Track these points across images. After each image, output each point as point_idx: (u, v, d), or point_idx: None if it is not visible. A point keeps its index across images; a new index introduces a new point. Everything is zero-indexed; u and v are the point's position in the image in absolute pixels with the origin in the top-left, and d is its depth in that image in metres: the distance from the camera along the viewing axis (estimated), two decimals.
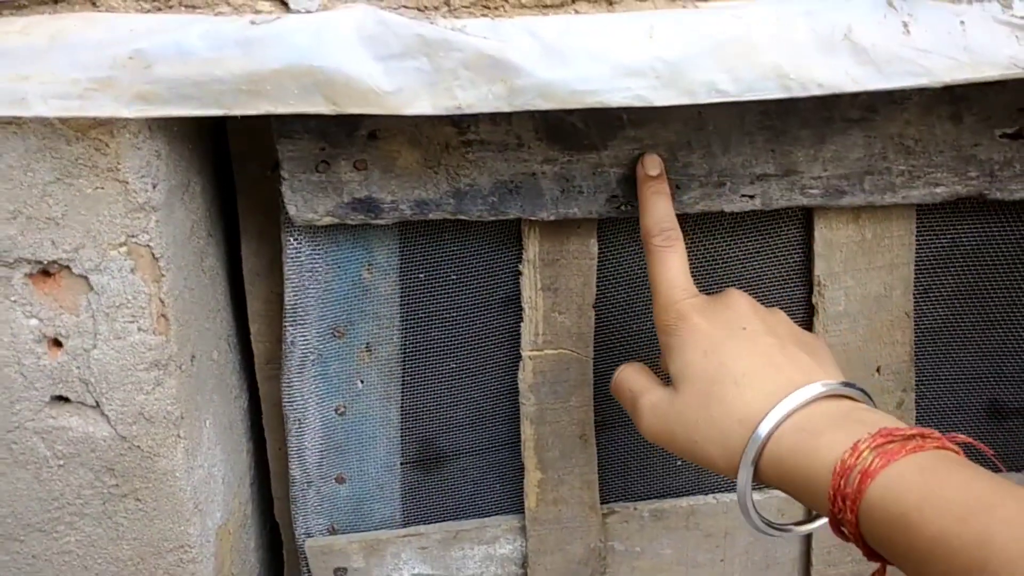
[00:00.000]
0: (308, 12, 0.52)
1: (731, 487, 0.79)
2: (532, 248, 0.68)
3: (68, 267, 0.55)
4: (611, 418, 0.76)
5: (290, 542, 0.81)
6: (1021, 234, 0.72)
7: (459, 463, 0.79)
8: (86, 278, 0.56)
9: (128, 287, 0.56)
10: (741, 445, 0.46)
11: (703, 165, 0.63)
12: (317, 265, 0.68)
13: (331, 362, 0.72)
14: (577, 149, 0.62)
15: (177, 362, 0.58)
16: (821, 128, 0.63)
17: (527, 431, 0.74)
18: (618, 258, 0.71)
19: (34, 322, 0.56)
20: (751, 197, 0.64)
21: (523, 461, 0.75)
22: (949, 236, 0.72)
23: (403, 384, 0.74)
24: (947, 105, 0.64)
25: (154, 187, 0.55)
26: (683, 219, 0.66)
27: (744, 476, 0.46)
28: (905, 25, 0.54)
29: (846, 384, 0.47)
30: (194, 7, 0.53)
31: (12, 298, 0.56)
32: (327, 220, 0.64)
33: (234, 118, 0.53)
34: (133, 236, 0.55)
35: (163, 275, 0.56)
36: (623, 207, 0.64)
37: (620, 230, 0.69)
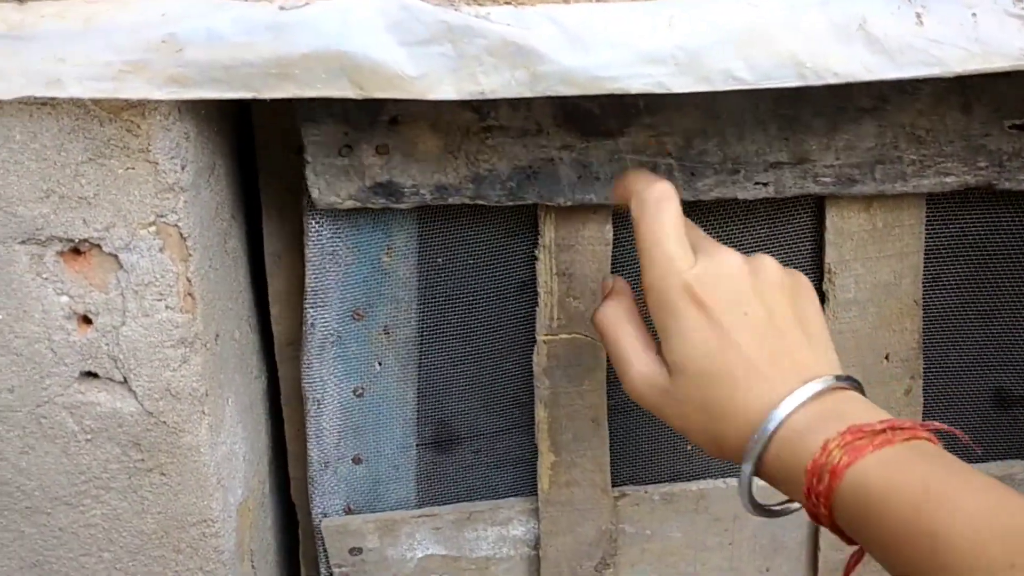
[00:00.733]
0: None
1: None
2: (548, 233, 0.69)
3: (99, 246, 0.57)
4: (623, 403, 0.77)
5: (306, 522, 0.83)
6: None
7: (473, 445, 0.80)
8: (116, 256, 0.57)
9: (156, 266, 0.57)
10: (733, 449, 0.47)
11: (717, 152, 0.64)
12: (338, 248, 0.70)
13: (350, 344, 0.74)
14: (594, 135, 0.63)
15: (203, 340, 0.60)
16: (834, 117, 0.64)
17: (541, 414, 0.76)
18: (632, 244, 0.72)
19: (65, 299, 0.58)
20: (764, 184, 0.66)
21: (537, 444, 0.77)
22: (958, 225, 0.73)
23: (420, 366, 0.76)
24: (958, 96, 0.65)
25: (183, 168, 0.57)
26: (696, 206, 0.67)
27: (743, 478, 0.47)
28: (918, 16, 0.55)
29: (837, 378, 0.47)
30: None
31: (44, 275, 0.57)
32: (349, 204, 0.66)
33: (259, 102, 0.55)
34: (162, 216, 0.57)
35: (190, 255, 0.58)
36: None
37: None
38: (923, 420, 0.64)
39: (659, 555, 0.83)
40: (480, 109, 0.63)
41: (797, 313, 0.50)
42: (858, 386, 0.47)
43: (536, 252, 0.71)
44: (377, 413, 0.76)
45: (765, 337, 0.48)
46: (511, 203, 0.66)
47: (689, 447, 0.80)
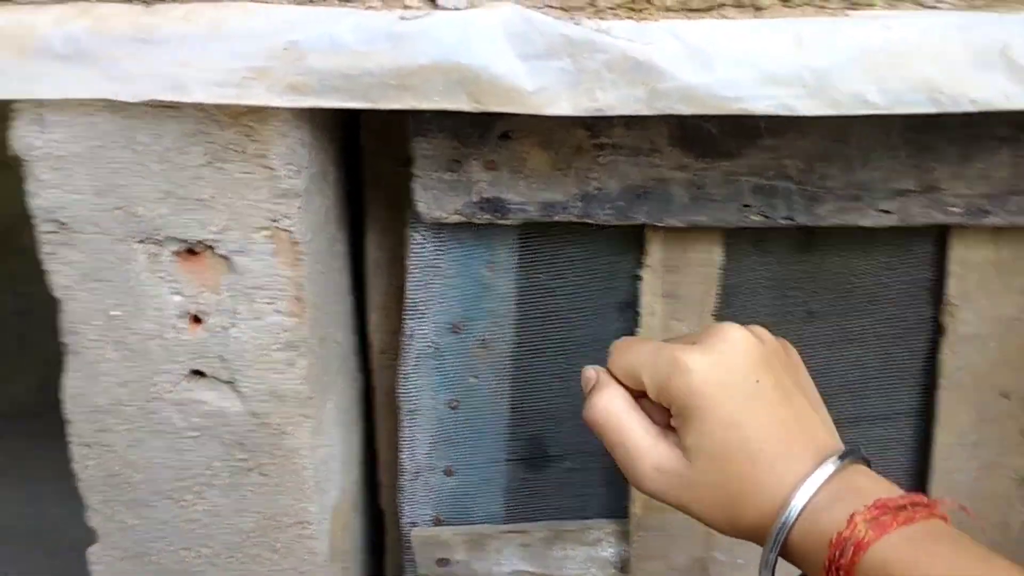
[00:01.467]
0: (456, 9, 0.53)
1: None
2: (655, 254, 0.68)
3: (212, 247, 0.58)
4: None
5: (394, 529, 0.83)
6: None
7: (565, 463, 0.79)
8: (229, 259, 0.58)
9: (268, 269, 0.58)
10: (751, 529, 0.47)
11: (840, 178, 0.62)
12: (440, 261, 0.69)
13: (447, 356, 0.73)
14: (711, 156, 0.62)
15: (309, 344, 0.60)
16: (968, 145, 0.61)
17: None
18: (741, 268, 0.70)
19: (178, 298, 0.59)
20: (888, 212, 0.63)
21: None
22: None
23: (514, 381, 0.75)
24: None
25: (297, 174, 0.57)
26: (814, 232, 0.65)
27: (769, 562, 0.46)
28: None
29: (849, 451, 0.47)
30: (346, 0, 0.55)
31: (160, 274, 0.58)
32: (455, 218, 0.65)
33: (368, 113, 0.55)
34: (275, 220, 0.57)
35: (300, 260, 0.58)
36: (753, 217, 0.63)
37: (746, 240, 0.68)
38: None
39: None
40: (593, 126, 0.62)
41: (797, 380, 0.50)
42: (860, 453, 0.47)
43: (640, 272, 0.69)
44: (470, 426, 0.76)
45: (777, 406, 0.48)
46: (619, 223, 0.64)
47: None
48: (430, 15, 0.53)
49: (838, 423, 0.50)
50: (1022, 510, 0.77)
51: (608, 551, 0.80)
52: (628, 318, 0.72)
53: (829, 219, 0.63)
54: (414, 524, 0.79)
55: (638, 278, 0.70)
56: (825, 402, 0.51)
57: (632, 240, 0.69)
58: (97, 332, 0.60)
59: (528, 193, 0.64)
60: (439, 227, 0.68)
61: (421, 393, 0.74)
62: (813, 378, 0.51)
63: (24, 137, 0.56)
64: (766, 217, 0.63)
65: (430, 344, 0.73)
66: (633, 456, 0.49)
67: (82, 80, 0.54)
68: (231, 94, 0.53)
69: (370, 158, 0.72)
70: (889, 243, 0.68)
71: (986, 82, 0.52)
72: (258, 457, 0.61)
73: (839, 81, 0.51)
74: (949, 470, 0.75)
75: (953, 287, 0.68)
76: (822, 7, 0.53)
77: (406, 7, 0.54)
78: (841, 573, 0.42)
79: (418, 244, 0.69)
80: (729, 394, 0.47)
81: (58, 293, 0.59)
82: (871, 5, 0.54)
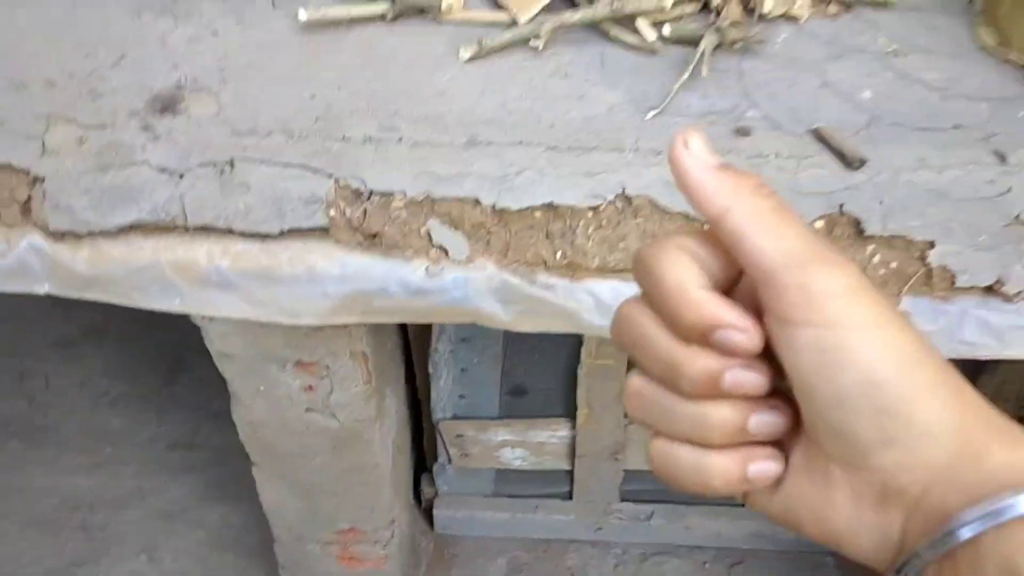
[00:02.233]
0: (460, 261, 0.86)
1: None
2: None
3: (318, 362, 0.97)
4: None
5: (429, 426, 1.30)
6: None
7: (535, 394, 1.24)
8: (328, 366, 0.97)
9: (352, 372, 0.97)
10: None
11: None
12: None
13: (460, 353, 1.14)
14: None
15: (377, 392, 1.02)
16: None
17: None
18: None
19: (297, 382, 0.99)
20: None
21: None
22: None
23: (504, 362, 1.16)
24: None
25: (367, 334, 0.94)
26: None
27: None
28: None
29: None
30: (392, 247, 0.86)
31: (287, 374, 0.98)
32: None
33: None
34: (358, 350, 0.95)
35: (372, 366, 0.97)
36: None
37: None
38: None
39: None
40: None
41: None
42: None
43: None
44: (478, 378, 1.19)
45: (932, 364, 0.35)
46: None
47: None
48: (444, 270, 0.85)
49: None
50: None
51: (562, 433, 1.27)
52: None
53: None
54: (443, 419, 1.25)
55: None
56: None
57: None
58: (251, 395, 1.01)
59: None
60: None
61: (443, 369, 1.16)
62: None
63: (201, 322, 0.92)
64: None
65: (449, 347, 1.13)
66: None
67: (230, 303, 0.88)
68: (326, 318, 0.88)
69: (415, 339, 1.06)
70: None
71: None
72: (349, 444, 1.06)
73: None
74: None
75: None
76: None
77: (430, 258, 0.86)
78: None
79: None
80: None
81: (228, 376, 0.99)
82: None
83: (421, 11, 0.99)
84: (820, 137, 0.87)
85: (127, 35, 1.00)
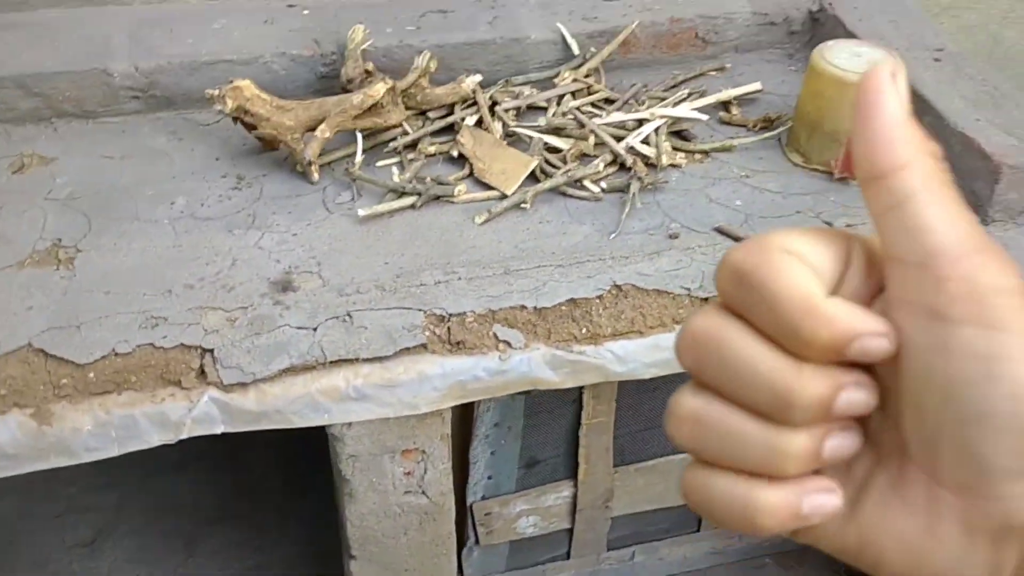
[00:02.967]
0: (520, 347, 1.27)
1: None
2: None
3: (416, 448, 1.33)
4: None
5: (461, 508, 1.65)
6: None
7: (545, 464, 1.63)
8: (424, 450, 1.33)
9: (441, 449, 1.34)
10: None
11: None
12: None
13: (490, 439, 1.52)
14: None
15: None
16: None
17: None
18: None
19: (400, 469, 1.34)
20: None
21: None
22: None
23: (522, 439, 1.56)
24: None
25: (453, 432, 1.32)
26: None
27: None
28: None
29: None
30: (473, 348, 1.27)
31: (394, 463, 1.33)
32: None
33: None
34: (443, 433, 1.33)
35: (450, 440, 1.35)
36: None
37: None
38: None
39: None
40: None
41: None
42: None
43: None
44: (499, 459, 1.57)
45: None
46: None
47: None
48: (512, 355, 1.27)
49: None
50: None
51: (566, 493, 1.66)
52: None
53: None
54: (474, 501, 1.61)
55: None
56: None
57: None
58: (364, 489, 1.35)
59: None
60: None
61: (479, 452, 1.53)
62: None
63: (333, 432, 1.27)
64: None
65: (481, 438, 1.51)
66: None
67: (366, 409, 1.24)
68: (438, 404, 1.26)
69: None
70: None
71: None
72: (435, 517, 1.41)
73: None
74: None
75: None
76: None
77: (499, 350, 1.27)
78: None
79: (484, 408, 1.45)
80: None
81: (348, 476, 1.33)
82: None
83: (438, 198, 1.43)
84: (721, 231, 1.38)
85: (230, 246, 1.37)
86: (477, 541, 1.68)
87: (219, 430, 1.24)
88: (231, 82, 1.43)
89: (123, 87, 1.59)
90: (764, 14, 1.78)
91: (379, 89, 1.45)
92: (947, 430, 0.31)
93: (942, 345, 0.30)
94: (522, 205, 1.42)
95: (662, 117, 1.53)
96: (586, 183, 1.45)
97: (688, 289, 1.31)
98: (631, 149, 1.49)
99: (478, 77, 1.58)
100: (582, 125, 1.52)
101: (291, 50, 1.63)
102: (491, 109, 1.57)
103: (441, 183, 1.43)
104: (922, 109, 1.47)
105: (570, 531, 1.74)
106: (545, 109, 1.59)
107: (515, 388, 1.28)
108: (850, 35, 1.65)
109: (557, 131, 1.52)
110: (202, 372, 1.23)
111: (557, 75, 1.63)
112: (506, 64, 1.68)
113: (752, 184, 1.49)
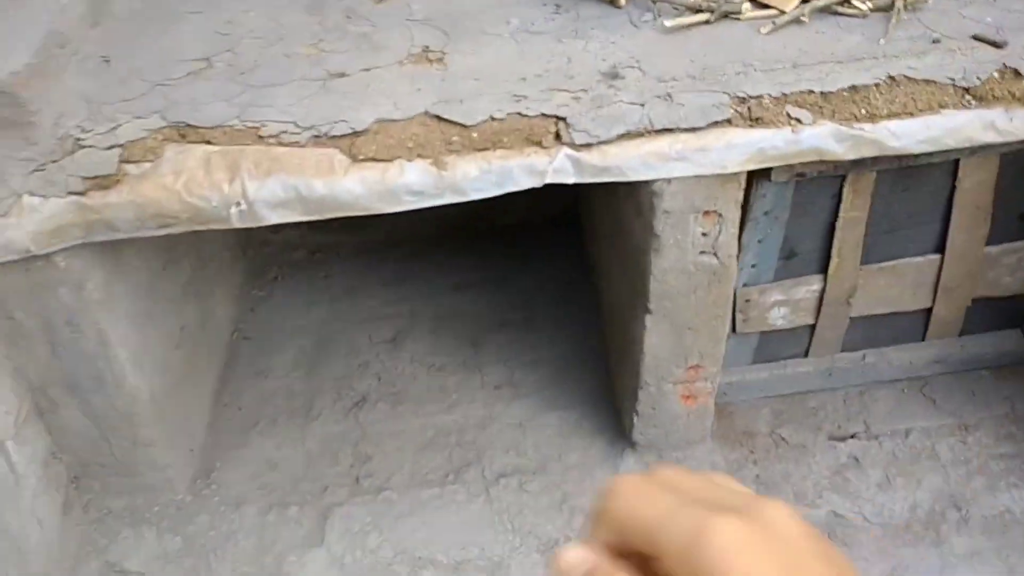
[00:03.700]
0: (808, 124, 1.56)
1: None
2: None
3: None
4: None
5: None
6: None
7: None
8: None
9: None
10: None
11: None
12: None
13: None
14: None
15: None
16: None
17: None
18: None
19: (700, 229, 1.66)
20: None
21: None
22: None
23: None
24: None
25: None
26: None
27: None
28: None
29: None
30: (769, 123, 1.56)
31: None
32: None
33: None
34: None
35: None
36: None
37: None
38: None
39: None
40: None
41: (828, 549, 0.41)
42: None
43: None
44: (768, 247, 1.86)
45: None
46: None
47: None
48: (803, 130, 1.55)
49: None
50: None
51: (815, 287, 1.93)
52: None
53: None
54: (736, 287, 1.91)
55: None
56: None
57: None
58: (670, 245, 1.67)
59: None
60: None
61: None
62: None
63: None
64: None
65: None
66: None
67: (684, 167, 1.56)
68: (742, 167, 1.56)
69: None
70: None
71: None
72: (719, 277, 1.71)
73: None
74: None
75: None
76: None
77: (791, 126, 1.56)
78: None
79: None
80: None
81: (659, 231, 1.65)
82: None
83: (727, 16, 1.73)
84: (978, 38, 1.62)
85: (563, 50, 1.71)
86: (734, 329, 1.97)
87: (571, 180, 1.58)
88: None
89: None
90: None
91: None
92: None
93: None
94: (801, 19, 1.70)
95: None
96: (854, 2, 1.71)
97: (952, 79, 1.57)
98: None
99: None
100: None
101: None
102: None
103: (729, 1, 1.73)
104: None
105: (812, 328, 2.01)
106: None
107: (806, 158, 1.57)
108: None
109: None
110: (557, 135, 1.57)
111: None
112: None
113: (1001, 6, 1.71)
